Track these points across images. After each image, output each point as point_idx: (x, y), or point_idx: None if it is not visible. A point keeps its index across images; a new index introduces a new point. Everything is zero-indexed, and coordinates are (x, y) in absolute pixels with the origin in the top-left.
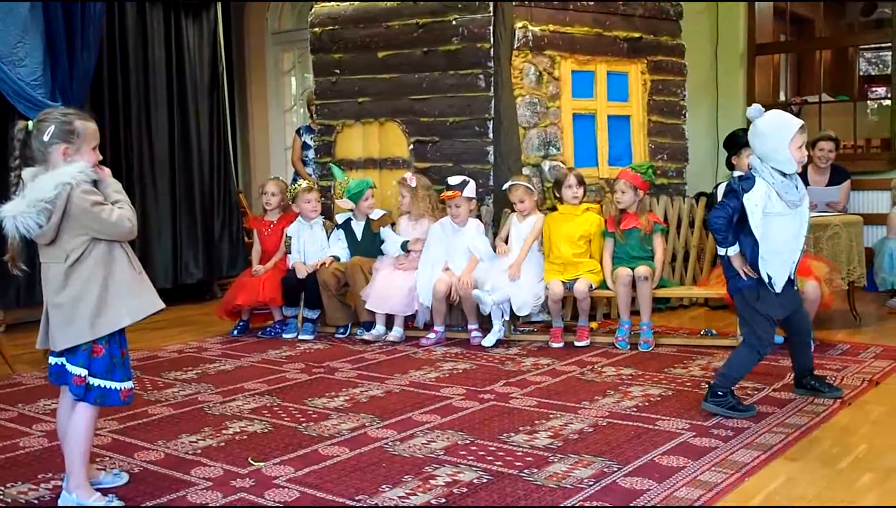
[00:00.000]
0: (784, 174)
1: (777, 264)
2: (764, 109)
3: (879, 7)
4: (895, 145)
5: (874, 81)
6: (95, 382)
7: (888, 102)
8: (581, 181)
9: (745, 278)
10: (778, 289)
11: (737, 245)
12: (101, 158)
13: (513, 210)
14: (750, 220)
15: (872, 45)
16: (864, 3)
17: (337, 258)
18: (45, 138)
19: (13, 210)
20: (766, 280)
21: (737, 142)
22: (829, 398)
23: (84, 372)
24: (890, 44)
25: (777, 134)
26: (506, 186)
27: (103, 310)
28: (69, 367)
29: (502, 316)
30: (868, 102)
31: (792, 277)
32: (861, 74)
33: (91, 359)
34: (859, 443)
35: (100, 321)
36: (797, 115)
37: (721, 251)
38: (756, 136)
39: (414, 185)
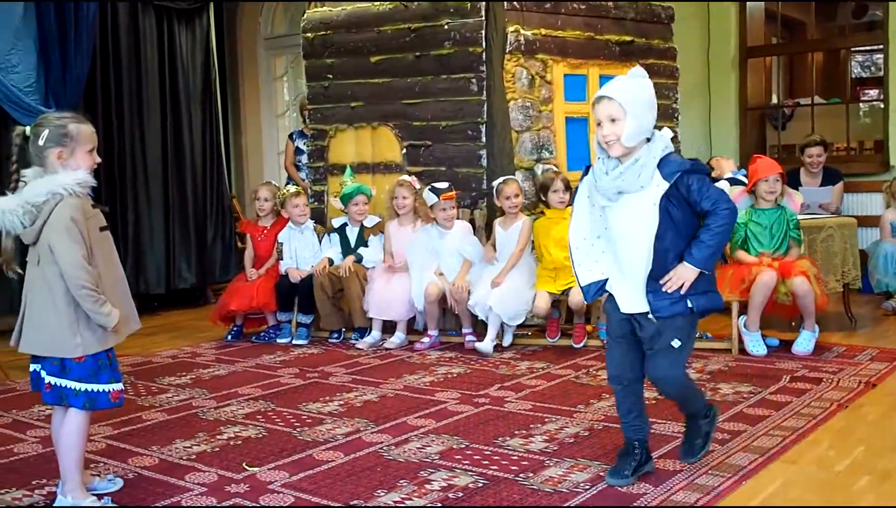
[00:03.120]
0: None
1: (576, 261)
2: (643, 74)
3: (871, 9)
4: (888, 147)
5: (866, 83)
6: (82, 387)
7: (880, 104)
8: (567, 186)
9: None
10: (586, 299)
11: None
12: (99, 160)
13: (500, 214)
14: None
15: (864, 48)
16: (855, 5)
17: (331, 261)
18: (41, 143)
19: (3, 205)
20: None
21: None
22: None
23: (53, 380)
24: (881, 46)
25: None
26: (497, 182)
27: (80, 329)
28: (42, 374)
29: (501, 323)
30: (860, 104)
31: (619, 305)
32: (853, 76)
33: (73, 365)
34: (856, 446)
35: (75, 341)
36: (789, 118)
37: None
38: None
39: (418, 186)
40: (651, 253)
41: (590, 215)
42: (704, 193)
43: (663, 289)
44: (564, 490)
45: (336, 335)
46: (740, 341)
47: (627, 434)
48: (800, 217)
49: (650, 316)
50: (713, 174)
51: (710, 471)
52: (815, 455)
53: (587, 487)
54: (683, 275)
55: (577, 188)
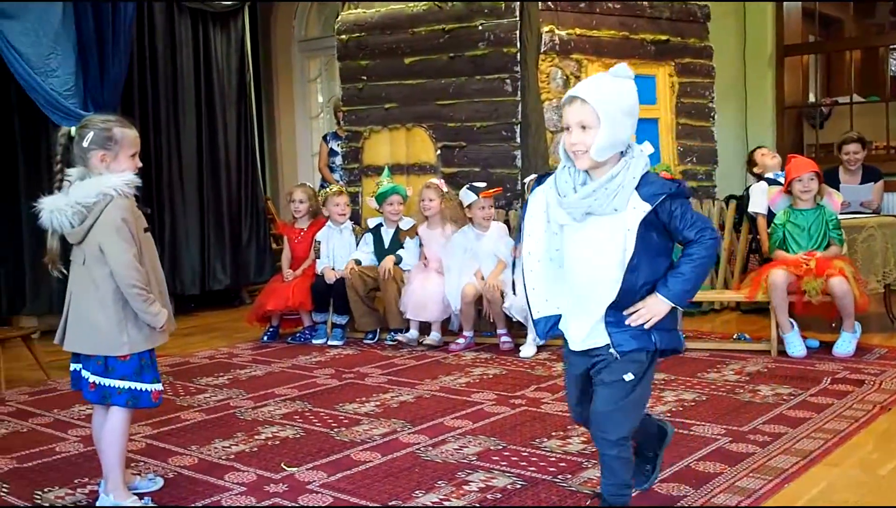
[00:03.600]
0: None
1: (530, 285)
2: (628, 75)
3: None
4: None
5: None
6: (126, 385)
7: None
8: None
9: None
10: (538, 336)
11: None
12: (140, 165)
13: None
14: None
15: None
16: (893, 2)
17: (358, 262)
18: (85, 145)
19: (52, 205)
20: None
21: None
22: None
23: (97, 379)
24: None
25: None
26: (528, 179)
27: (127, 327)
28: (84, 373)
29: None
30: None
31: (583, 343)
32: (892, 73)
33: (118, 364)
34: None
35: (122, 339)
36: (827, 117)
37: None
38: None
39: (446, 190)
40: (618, 282)
41: (545, 232)
42: (689, 220)
43: (626, 321)
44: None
45: (371, 336)
46: (780, 342)
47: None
48: (840, 217)
49: (611, 350)
50: (755, 170)
51: (750, 474)
52: (858, 458)
53: None
54: (654, 309)
55: (525, 203)
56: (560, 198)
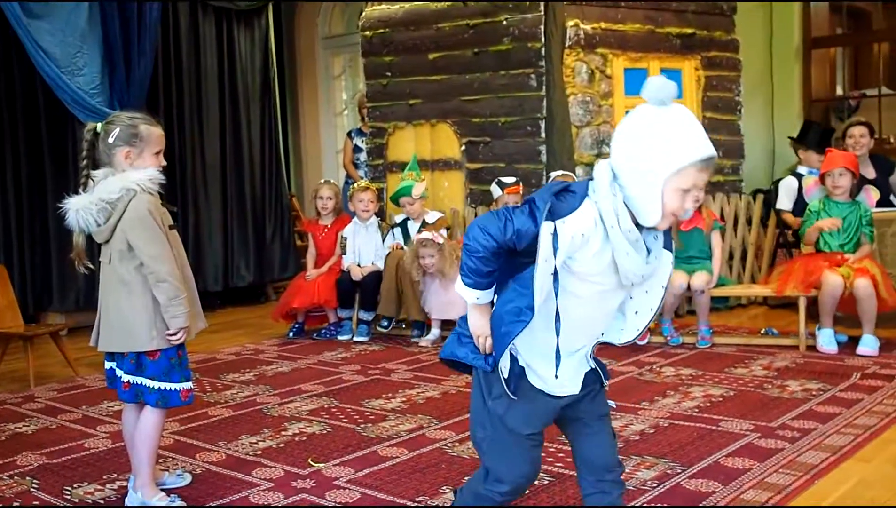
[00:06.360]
0: (638, 223)
1: (542, 353)
2: (674, 90)
3: None
4: None
5: None
6: (155, 384)
7: None
8: None
9: (479, 352)
10: (546, 386)
11: (490, 291)
12: (164, 163)
13: None
14: (538, 264)
15: None
16: None
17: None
18: (110, 141)
19: (77, 204)
20: (506, 370)
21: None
22: None
23: (130, 378)
24: None
25: (656, 149)
26: (554, 174)
27: (155, 322)
28: (118, 372)
29: None
30: None
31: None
32: None
33: (148, 363)
34: None
35: (151, 334)
36: (855, 110)
37: (463, 292)
38: (623, 134)
39: (441, 242)
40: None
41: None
42: None
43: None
44: (632, 487)
45: (385, 324)
46: (808, 337)
47: None
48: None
49: (605, 382)
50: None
51: (780, 469)
52: (890, 454)
53: (654, 485)
54: None
55: (577, 236)
56: (637, 256)
